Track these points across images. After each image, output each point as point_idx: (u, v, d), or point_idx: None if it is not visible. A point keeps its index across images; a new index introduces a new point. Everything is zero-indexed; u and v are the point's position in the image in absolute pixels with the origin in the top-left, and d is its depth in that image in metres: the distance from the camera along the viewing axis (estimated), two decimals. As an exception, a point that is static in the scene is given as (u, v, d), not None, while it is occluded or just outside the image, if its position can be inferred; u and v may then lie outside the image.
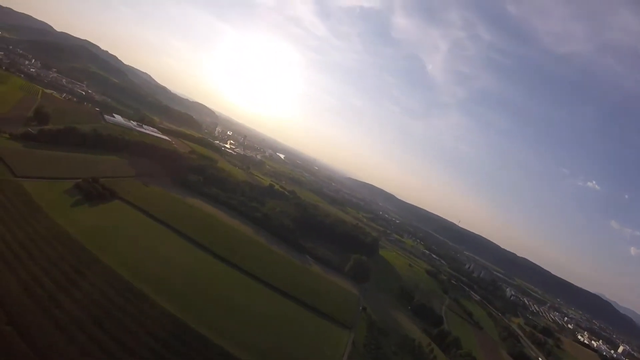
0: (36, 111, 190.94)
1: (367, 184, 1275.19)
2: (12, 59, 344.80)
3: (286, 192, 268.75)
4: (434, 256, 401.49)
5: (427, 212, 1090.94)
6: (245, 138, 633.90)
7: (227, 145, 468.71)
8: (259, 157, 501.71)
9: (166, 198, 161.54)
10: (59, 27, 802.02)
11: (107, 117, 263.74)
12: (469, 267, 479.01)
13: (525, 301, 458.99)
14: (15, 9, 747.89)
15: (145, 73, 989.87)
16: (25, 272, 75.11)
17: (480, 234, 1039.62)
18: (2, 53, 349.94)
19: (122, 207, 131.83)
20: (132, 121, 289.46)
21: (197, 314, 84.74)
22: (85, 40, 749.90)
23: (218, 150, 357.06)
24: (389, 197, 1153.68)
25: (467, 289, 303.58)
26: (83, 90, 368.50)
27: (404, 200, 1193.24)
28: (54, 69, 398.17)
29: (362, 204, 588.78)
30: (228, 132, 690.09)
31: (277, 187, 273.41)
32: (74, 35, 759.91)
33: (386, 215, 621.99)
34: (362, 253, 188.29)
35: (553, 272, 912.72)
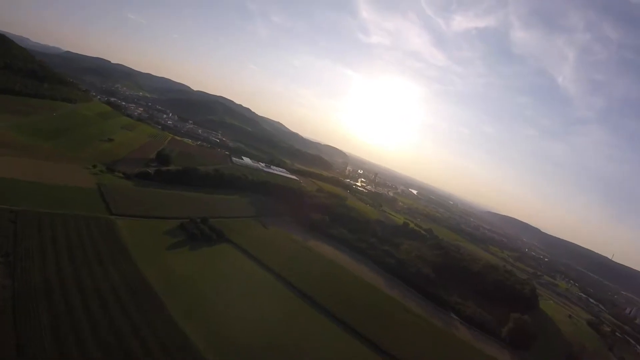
0: (158, 154, 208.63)
1: (508, 217, 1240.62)
2: (150, 113, 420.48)
3: (422, 231, 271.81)
4: (591, 300, 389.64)
5: (576, 245, 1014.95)
6: (376, 175, 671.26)
7: (358, 184, 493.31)
8: (391, 194, 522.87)
9: (285, 241, 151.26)
10: (196, 87, 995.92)
11: (235, 159, 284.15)
12: (629, 312, 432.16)
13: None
14: (154, 73, 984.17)
15: (278, 122, 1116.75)
16: (68, 322, 61.21)
17: (636, 268, 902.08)
18: (142, 109, 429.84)
19: (228, 252, 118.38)
20: (260, 162, 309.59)
21: None
22: (220, 96, 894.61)
23: (348, 188, 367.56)
24: (533, 231, 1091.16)
25: (633, 342, 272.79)
26: (217, 138, 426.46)
27: (549, 233, 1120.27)
28: (191, 121, 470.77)
29: (505, 241, 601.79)
30: (359, 171, 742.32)
31: (411, 225, 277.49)
32: (210, 93, 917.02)
33: (533, 253, 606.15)
34: (519, 308, 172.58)
35: None
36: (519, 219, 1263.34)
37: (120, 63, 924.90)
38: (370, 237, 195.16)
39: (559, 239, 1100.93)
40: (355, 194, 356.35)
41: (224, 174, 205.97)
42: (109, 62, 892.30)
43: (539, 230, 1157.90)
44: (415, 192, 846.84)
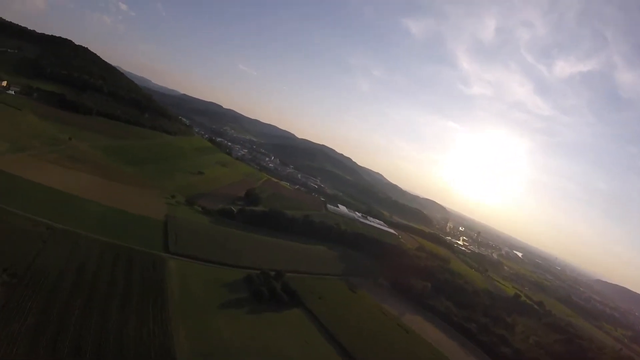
0: (247, 192, 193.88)
1: (619, 286, 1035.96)
2: (254, 155, 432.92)
3: (534, 305, 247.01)
4: None
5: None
6: (478, 234, 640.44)
7: (460, 242, 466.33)
8: (495, 256, 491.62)
9: (375, 313, 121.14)
10: (300, 135, 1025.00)
11: (330, 206, 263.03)
12: None
13: None
14: (262, 120, 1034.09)
15: (378, 173, 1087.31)
16: None
17: None
18: (246, 150, 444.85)
19: (299, 322, 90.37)
20: (356, 212, 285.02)
21: None
22: (322, 145, 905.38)
23: (450, 247, 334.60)
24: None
25: None
26: (316, 184, 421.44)
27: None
28: (292, 166, 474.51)
29: (616, 315, 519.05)
30: (460, 228, 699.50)
31: (522, 297, 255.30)
32: (313, 141, 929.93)
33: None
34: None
35: None
36: (631, 289, 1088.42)
37: (231, 108, 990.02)
38: (480, 315, 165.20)
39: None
40: (458, 254, 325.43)
41: (314, 222, 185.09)
42: (221, 107, 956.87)
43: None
44: (520, 254, 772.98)
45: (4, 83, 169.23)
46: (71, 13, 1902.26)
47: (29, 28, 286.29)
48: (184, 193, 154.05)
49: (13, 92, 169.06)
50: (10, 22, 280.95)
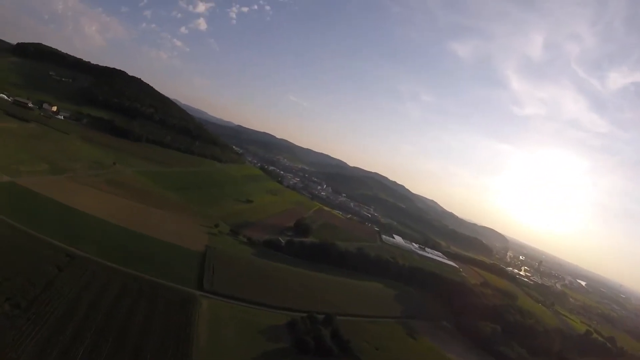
0: (297, 222, 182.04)
1: None
2: (305, 183, 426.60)
3: (607, 343, 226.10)
4: None
5: None
6: (540, 263, 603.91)
7: (522, 273, 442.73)
8: (558, 286, 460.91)
9: None
10: (352, 163, 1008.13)
11: (384, 237, 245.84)
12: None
13: None
14: (314, 149, 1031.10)
15: (432, 200, 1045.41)
16: None
17: None
18: (298, 179, 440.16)
19: None
20: (413, 243, 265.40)
21: None
22: (375, 172, 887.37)
23: (513, 279, 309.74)
24: None
25: None
26: (369, 213, 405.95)
27: None
28: (344, 194, 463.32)
29: None
30: (520, 257, 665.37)
31: (594, 334, 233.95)
32: (365, 169, 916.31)
33: None
34: None
35: None
36: None
37: (284, 138, 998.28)
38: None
39: None
40: (522, 287, 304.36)
41: (369, 255, 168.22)
42: (274, 137, 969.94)
43: None
44: (583, 283, 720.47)
45: (54, 108, 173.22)
46: (129, 50, 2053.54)
47: (84, 59, 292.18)
48: (229, 222, 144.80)
49: (62, 117, 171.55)
50: (67, 53, 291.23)
